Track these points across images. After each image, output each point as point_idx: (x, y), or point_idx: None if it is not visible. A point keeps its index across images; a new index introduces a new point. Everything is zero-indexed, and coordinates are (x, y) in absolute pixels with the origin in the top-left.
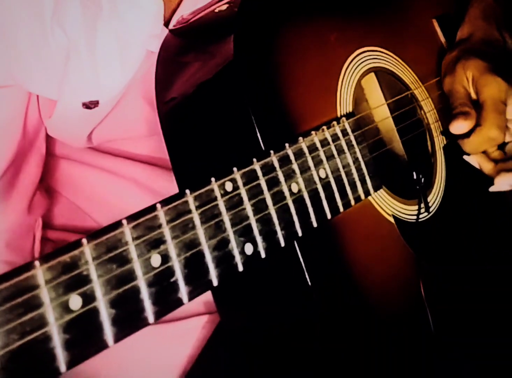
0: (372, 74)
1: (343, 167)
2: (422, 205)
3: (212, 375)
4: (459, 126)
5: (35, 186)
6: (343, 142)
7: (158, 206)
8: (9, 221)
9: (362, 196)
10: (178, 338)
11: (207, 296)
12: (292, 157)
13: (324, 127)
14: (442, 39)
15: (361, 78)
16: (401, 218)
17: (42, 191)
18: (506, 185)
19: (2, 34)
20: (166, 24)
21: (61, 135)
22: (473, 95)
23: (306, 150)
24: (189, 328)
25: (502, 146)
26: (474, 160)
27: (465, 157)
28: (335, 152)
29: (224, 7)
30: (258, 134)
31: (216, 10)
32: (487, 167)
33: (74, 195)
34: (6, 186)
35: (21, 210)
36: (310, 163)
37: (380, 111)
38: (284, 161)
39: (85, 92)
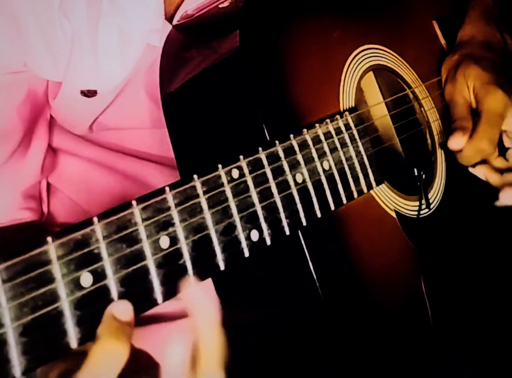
0: (371, 73)
1: (346, 160)
2: (423, 201)
3: None
4: (456, 142)
5: (45, 149)
6: (346, 136)
7: (167, 189)
8: (26, 180)
9: (365, 189)
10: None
11: (208, 292)
12: (296, 148)
13: (328, 120)
14: (442, 40)
15: (364, 74)
16: (402, 213)
17: (50, 154)
18: (511, 200)
19: (15, 23)
20: (170, 19)
21: (64, 119)
22: (473, 104)
23: (310, 142)
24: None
25: (503, 152)
26: (480, 172)
27: (470, 169)
28: (338, 145)
29: (228, 2)
30: (264, 125)
31: (220, 6)
32: (492, 178)
33: (72, 190)
34: (22, 151)
35: (36, 170)
36: (314, 155)
37: (378, 109)
38: (289, 151)
39: (84, 80)
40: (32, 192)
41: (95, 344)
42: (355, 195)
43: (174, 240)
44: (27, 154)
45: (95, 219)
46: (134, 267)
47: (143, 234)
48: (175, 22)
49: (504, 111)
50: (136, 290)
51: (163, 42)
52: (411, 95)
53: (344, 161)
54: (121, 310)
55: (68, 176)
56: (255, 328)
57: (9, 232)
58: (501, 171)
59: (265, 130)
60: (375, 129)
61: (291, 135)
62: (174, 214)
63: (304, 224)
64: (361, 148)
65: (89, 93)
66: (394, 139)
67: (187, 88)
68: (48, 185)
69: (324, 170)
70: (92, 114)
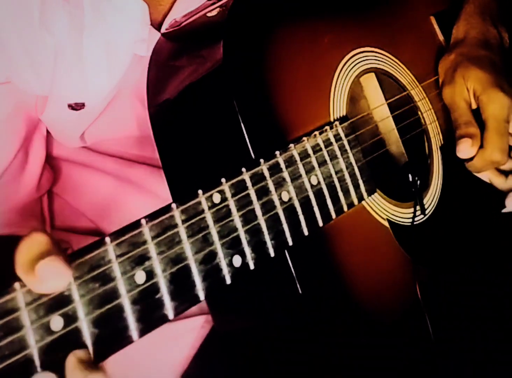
0: (373, 74)
1: (336, 173)
2: (418, 208)
3: (208, 374)
4: (466, 152)
5: (42, 165)
6: (335, 147)
7: (143, 221)
8: (21, 199)
9: (356, 202)
10: (177, 338)
11: None
12: (282, 165)
13: (316, 132)
14: (441, 36)
15: (356, 80)
16: (396, 221)
17: (48, 169)
18: None
19: None
20: (158, 27)
21: (55, 133)
22: (474, 105)
23: (297, 158)
24: (187, 328)
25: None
26: (486, 176)
27: (475, 172)
28: (327, 158)
29: (216, 11)
30: (248, 143)
31: (208, 15)
32: (497, 182)
33: (70, 196)
34: (18, 168)
35: (32, 189)
36: (302, 170)
37: (380, 111)
38: (275, 169)
39: (71, 94)
40: (31, 210)
41: None
42: (345, 208)
43: (150, 274)
44: (24, 169)
45: None
46: (108, 306)
47: (117, 271)
48: (163, 30)
49: (508, 116)
50: (110, 329)
51: (151, 51)
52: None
53: (333, 175)
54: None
55: (66, 183)
56: (245, 337)
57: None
58: (505, 173)
59: (250, 148)
60: (377, 132)
61: (277, 152)
62: (151, 247)
63: (290, 243)
64: (351, 159)
65: (76, 106)
66: (395, 142)
67: (172, 101)
68: (51, 194)
69: (312, 185)
70: (80, 127)
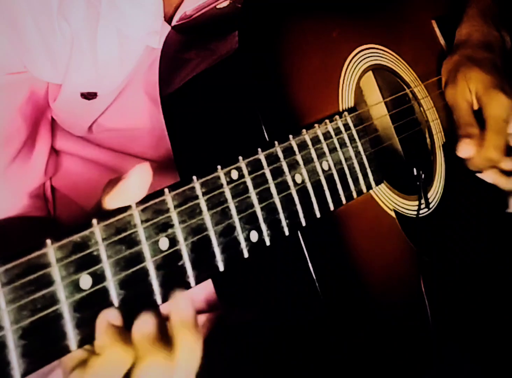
0: (370, 72)
1: (346, 160)
2: (422, 201)
3: (210, 372)
4: (465, 151)
5: (49, 150)
6: (345, 136)
7: (166, 190)
8: (30, 183)
9: (364, 189)
10: None
11: (207, 293)
12: (295, 148)
13: (327, 120)
14: (441, 40)
15: (363, 74)
16: (402, 212)
17: (53, 155)
18: None
19: (14, 26)
20: (169, 20)
21: (63, 120)
22: (475, 106)
23: (309, 142)
24: None
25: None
26: (489, 177)
27: (478, 175)
28: (337, 145)
29: (226, 3)
30: (263, 126)
31: (218, 6)
32: (502, 183)
33: (71, 189)
34: (27, 152)
35: (39, 173)
36: (313, 155)
37: (378, 109)
38: (288, 152)
39: (84, 83)
40: (37, 192)
41: (99, 356)
42: (355, 195)
43: (173, 241)
44: (32, 155)
45: (94, 221)
46: (134, 269)
47: (142, 236)
48: (174, 23)
49: (508, 116)
50: (136, 291)
51: (162, 43)
52: (410, 95)
53: (343, 162)
54: (113, 316)
55: (71, 178)
56: (254, 328)
57: (19, 224)
58: (509, 173)
59: (264, 131)
60: (375, 129)
61: (290, 136)
62: (173, 215)
63: (304, 224)
64: (360, 148)
65: (89, 96)
66: (394, 139)
67: (186, 89)
68: (53, 190)
69: (323, 170)
70: (91, 116)
